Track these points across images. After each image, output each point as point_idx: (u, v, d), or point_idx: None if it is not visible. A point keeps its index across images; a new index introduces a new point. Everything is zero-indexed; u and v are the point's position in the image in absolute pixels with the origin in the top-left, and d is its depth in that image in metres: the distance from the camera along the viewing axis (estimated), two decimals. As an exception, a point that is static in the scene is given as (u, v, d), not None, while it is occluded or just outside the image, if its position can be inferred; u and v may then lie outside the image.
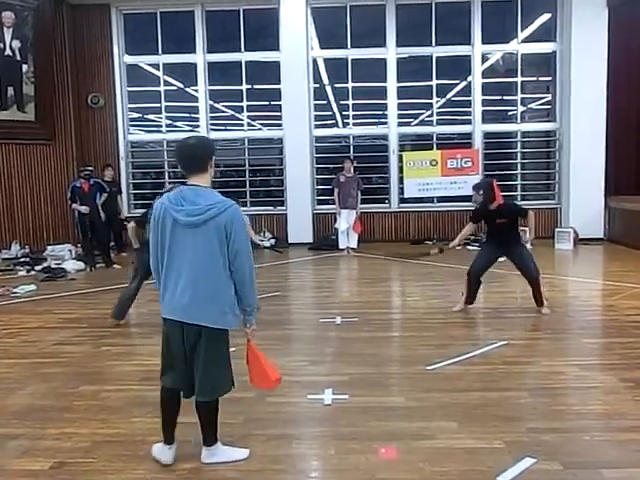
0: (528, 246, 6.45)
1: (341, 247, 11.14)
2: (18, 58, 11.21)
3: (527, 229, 6.49)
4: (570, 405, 3.76)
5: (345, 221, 11.02)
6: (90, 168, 10.28)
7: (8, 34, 11.03)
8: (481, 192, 6.18)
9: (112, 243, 10.98)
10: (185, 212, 2.81)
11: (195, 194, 2.86)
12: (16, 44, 11.12)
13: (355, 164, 11.33)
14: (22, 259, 10.51)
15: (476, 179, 12.06)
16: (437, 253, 6.43)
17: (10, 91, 11.21)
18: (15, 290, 7.89)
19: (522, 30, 12.43)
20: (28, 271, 9.53)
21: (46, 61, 11.65)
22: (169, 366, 2.99)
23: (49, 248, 10.81)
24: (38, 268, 9.61)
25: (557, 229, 11.62)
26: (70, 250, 10.63)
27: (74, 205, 9.97)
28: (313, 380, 4.28)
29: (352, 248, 11.05)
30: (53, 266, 9.64)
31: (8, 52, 11.06)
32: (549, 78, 12.74)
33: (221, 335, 2.96)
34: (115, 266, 9.91)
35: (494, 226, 6.28)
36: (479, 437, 3.28)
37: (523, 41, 12.49)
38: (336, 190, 11.04)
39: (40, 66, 11.53)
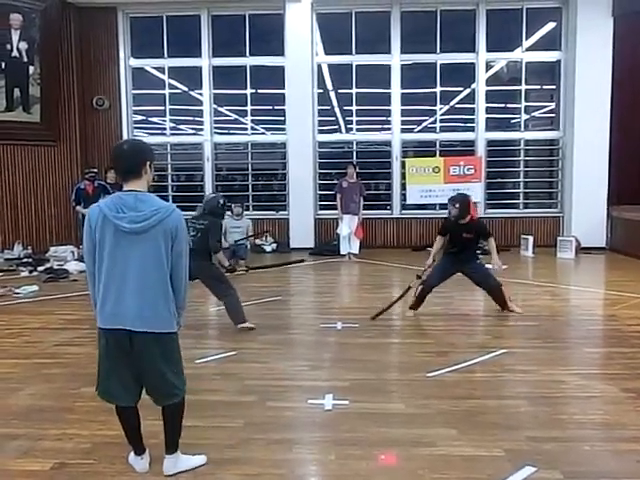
0: (495, 267, 6.64)
1: (342, 252, 11.14)
2: (25, 60, 11.26)
3: (492, 258, 6.65)
4: (570, 414, 3.76)
5: (347, 226, 11.03)
6: (94, 170, 10.31)
7: (16, 36, 11.08)
8: (457, 205, 6.31)
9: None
10: (128, 219, 2.74)
11: (136, 200, 2.79)
12: (23, 46, 11.18)
13: (358, 170, 11.34)
14: (25, 260, 10.53)
15: (479, 187, 12.11)
16: (416, 279, 6.54)
17: (16, 92, 11.26)
18: (17, 290, 7.90)
19: (527, 38, 12.45)
20: (31, 272, 9.54)
21: (52, 63, 11.70)
22: (107, 379, 2.91)
23: (52, 249, 10.84)
24: (40, 269, 9.62)
25: (559, 238, 11.62)
26: (72, 251, 10.65)
27: (78, 207, 9.99)
28: (313, 385, 4.29)
29: (353, 254, 11.05)
30: (55, 267, 9.66)
31: (15, 54, 11.11)
32: (553, 86, 12.75)
33: (173, 338, 2.94)
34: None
35: (460, 240, 6.41)
36: (478, 445, 3.28)
37: (527, 49, 12.52)
38: (338, 195, 11.05)
39: (46, 68, 11.58)
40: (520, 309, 6.60)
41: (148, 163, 2.91)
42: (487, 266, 6.65)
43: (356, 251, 11.10)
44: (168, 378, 2.89)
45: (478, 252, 11.26)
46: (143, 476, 2.98)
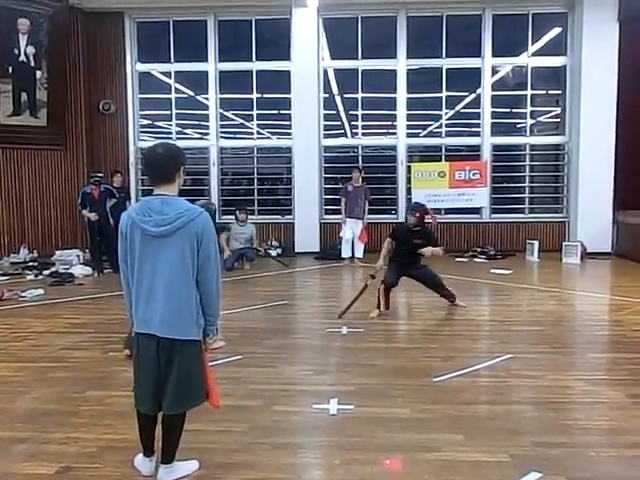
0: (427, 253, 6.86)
1: (344, 256, 11.16)
2: (32, 64, 11.33)
3: (434, 249, 6.87)
4: (576, 420, 3.75)
5: (350, 230, 11.05)
6: (100, 174, 10.35)
7: (23, 40, 11.16)
8: (417, 215, 6.82)
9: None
10: (154, 222, 2.74)
11: (162, 203, 2.78)
12: (31, 50, 11.25)
13: (363, 174, 11.35)
14: (30, 263, 10.58)
15: (484, 191, 12.11)
16: (370, 279, 6.81)
17: (24, 96, 11.33)
18: (23, 294, 7.93)
19: (533, 43, 12.46)
20: (36, 275, 9.58)
21: (59, 67, 11.77)
22: (143, 389, 2.90)
23: (57, 253, 10.88)
24: (46, 272, 9.66)
25: (565, 243, 11.59)
26: (78, 255, 10.69)
27: (84, 212, 10.04)
28: (318, 390, 4.28)
29: (358, 258, 11.06)
30: (61, 271, 9.70)
31: (23, 58, 11.18)
32: (559, 91, 12.75)
33: (195, 347, 2.90)
34: (123, 272, 9.93)
35: (410, 245, 6.79)
36: (484, 450, 3.27)
37: (533, 54, 12.52)
38: (343, 199, 11.09)
39: (53, 72, 11.65)
40: (464, 304, 7.11)
41: (182, 168, 2.89)
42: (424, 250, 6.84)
43: (360, 255, 11.11)
44: (183, 386, 2.85)
45: (483, 257, 11.40)
46: (153, 478, 2.98)
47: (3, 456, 3.28)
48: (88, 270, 9.88)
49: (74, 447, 3.34)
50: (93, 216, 9.88)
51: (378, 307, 6.76)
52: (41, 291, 8.18)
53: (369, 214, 11.27)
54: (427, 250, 6.75)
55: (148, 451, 3.03)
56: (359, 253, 11.14)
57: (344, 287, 9.22)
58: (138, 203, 2.87)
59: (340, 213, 11.26)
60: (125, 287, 2.94)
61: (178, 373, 2.84)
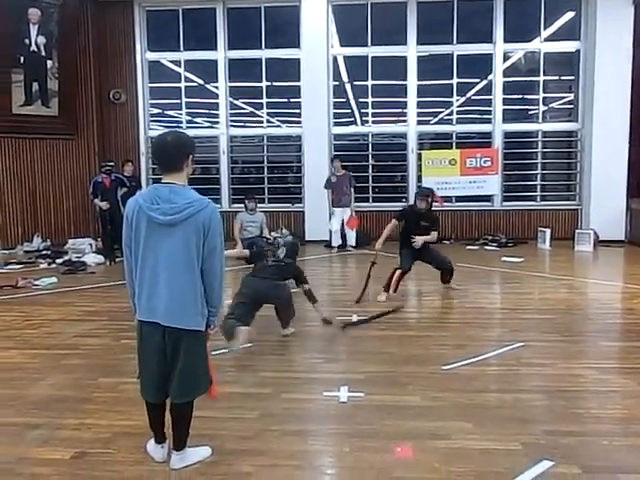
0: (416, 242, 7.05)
1: (333, 245, 11.25)
2: (43, 54, 11.35)
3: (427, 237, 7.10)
4: (588, 408, 3.74)
5: (338, 220, 11.20)
6: (111, 163, 10.39)
7: (34, 30, 11.17)
8: (429, 199, 7.04)
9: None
10: (161, 211, 2.73)
11: (171, 192, 2.77)
12: (41, 40, 11.26)
13: (373, 162, 11.32)
14: (43, 252, 10.65)
15: (496, 179, 12.03)
16: (372, 264, 6.87)
17: (35, 86, 11.35)
18: (37, 282, 8.00)
19: (545, 28, 12.30)
20: (49, 264, 9.66)
21: (70, 57, 11.79)
22: (147, 377, 2.92)
23: (70, 241, 10.95)
24: (59, 261, 9.73)
25: (577, 230, 11.50)
26: (90, 244, 10.75)
27: (95, 201, 10.10)
28: (329, 377, 4.30)
29: (352, 246, 11.11)
30: (74, 259, 9.77)
31: (34, 48, 11.19)
32: (572, 77, 12.59)
33: (199, 336, 2.91)
34: (134, 260, 9.99)
35: (417, 228, 7.00)
36: (495, 438, 3.27)
37: (546, 40, 12.36)
38: (328, 191, 11.19)
39: (64, 62, 11.67)
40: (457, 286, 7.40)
41: (191, 157, 2.89)
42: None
43: (353, 243, 11.17)
44: (189, 375, 2.88)
45: (494, 245, 11.37)
46: (161, 466, 3.01)
47: (18, 441, 3.33)
48: (100, 258, 9.95)
49: (88, 433, 3.38)
50: (104, 205, 9.94)
51: (387, 290, 6.82)
52: (54, 279, 8.25)
53: (379, 202, 11.25)
54: (420, 239, 6.97)
55: (159, 437, 3.06)
56: (352, 241, 11.18)
57: (355, 275, 9.22)
58: (146, 190, 2.86)
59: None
60: (128, 274, 2.92)
61: (184, 362, 2.85)
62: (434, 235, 7.13)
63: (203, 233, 2.78)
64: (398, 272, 6.83)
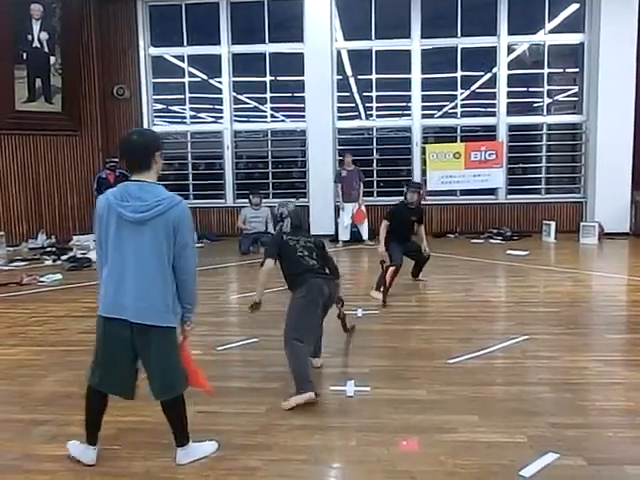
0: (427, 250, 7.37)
1: (341, 239, 11.23)
2: (46, 50, 11.36)
3: (423, 239, 7.38)
4: (593, 401, 3.73)
5: (349, 215, 11.16)
6: (116, 159, 10.40)
7: (36, 26, 11.18)
8: (421, 192, 7.30)
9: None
10: (132, 208, 2.72)
11: (141, 189, 2.77)
12: (44, 36, 11.27)
13: (378, 156, 11.31)
14: (48, 249, 10.69)
15: (500, 172, 12.00)
16: (383, 262, 6.79)
17: (38, 82, 11.37)
18: (42, 279, 8.03)
19: (549, 21, 12.25)
20: (54, 260, 9.69)
21: (73, 53, 11.80)
22: (104, 367, 2.88)
23: (75, 238, 10.97)
24: (64, 258, 9.75)
25: (582, 223, 11.47)
26: (95, 240, 10.76)
27: (100, 197, 10.10)
28: (335, 372, 4.30)
29: (364, 240, 11.08)
30: (79, 256, 9.78)
31: (36, 44, 11.21)
32: (576, 70, 12.54)
33: (171, 333, 2.90)
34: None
35: (408, 222, 7.16)
36: (501, 431, 3.27)
37: (550, 32, 12.31)
38: (339, 185, 11.16)
39: (67, 58, 11.67)
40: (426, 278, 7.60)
41: (158, 153, 2.88)
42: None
43: (365, 237, 11.14)
44: (169, 371, 2.88)
45: (499, 238, 11.37)
46: (168, 461, 3.02)
47: (25, 438, 3.34)
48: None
49: (94, 429, 3.39)
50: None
51: (379, 289, 6.70)
52: (59, 276, 8.27)
53: (384, 196, 11.24)
54: (425, 249, 7.26)
55: (93, 439, 2.99)
56: (365, 235, 11.16)
57: (359, 269, 9.23)
58: (117, 187, 2.84)
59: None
60: (100, 266, 2.91)
61: (157, 360, 2.84)
62: (422, 230, 7.44)
63: (173, 230, 2.78)
64: (392, 269, 6.77)
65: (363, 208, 11.24)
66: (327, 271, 4.27)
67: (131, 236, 2.75)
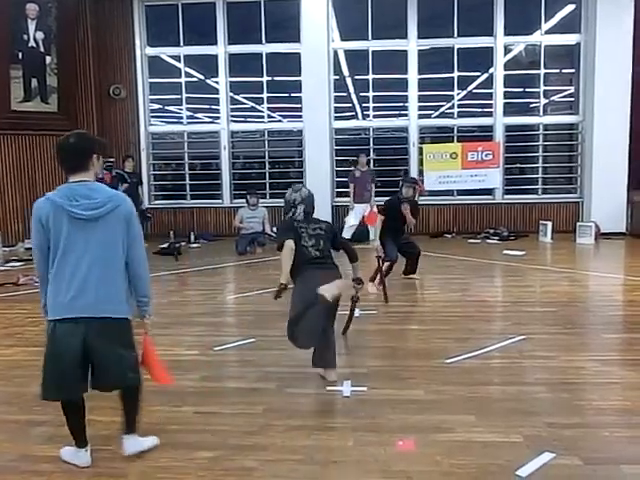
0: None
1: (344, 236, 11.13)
2: (42, 50, 11.33)
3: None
4: (590, 400, 3.74)
5: (357, 216, 11.13)
6: (112, 159, 10.40)
7: (32, 26, 11.15)
8: (416, 187, 7.29)
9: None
10: (83, 207, 2.79)
11: (87, 189, 2.85)
12: (40, 36, 11.24)
13: (375, 156, 11.31)
14: (45, 249, 10.64)
15: (497, 172, 12.03)
16: (379, 257, 6.80)
17: (34, 82, 11.34)
18: (38, 279, 7.99)
19: (546, 21, 12.27)
20: (51, 261, 9.64)
21: (69, 53, 11.77)
22: (67, 378, 2.87)
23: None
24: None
25: (578, 223, 11.50)
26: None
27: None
28: (332, 372, 4.30)
29: (370, 240, 11.06)
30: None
31: (32, 44, 11.18)
32: (572, 70, 12.57)
33: (127, 324, 2.98)
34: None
35: (401, 217, 7.20)
36: (497, 431, 3.27)
37: (546, 32, 12.34)
38: (352, 185, 11.13)
39: (63, 57, 11.65)
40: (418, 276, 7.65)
41: (95, 156, 2.95)
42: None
43: (373, 237, 11.11)
44: (125, 363, 2.92)
45: (496, 238, 11.38)
46: (164, 462, 3.01)
47: (21, 439, 3.34)
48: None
49: (90, 430, 3.36)
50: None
51: (373, 281, 6.78)
52: (56, 276, 8.23)
53: (381, 196, 11.20)
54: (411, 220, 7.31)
55: (81, 441, 3.02)
56: (373, 235, 11.15)
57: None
58: (58, 190, 2.89)
59: (348, 198, 11.27)
60: (42, 273, 2.93)
61: (114, 350, 2.87)
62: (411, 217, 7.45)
63: (125, 225, 2.90)
64: (387, 264, 6.85)
65: (375, 209, 11.20)
66: (330, 261, 4.23)
67: (85, 234, 2.82)
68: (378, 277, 6.79)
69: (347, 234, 11.21)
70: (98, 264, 2.83)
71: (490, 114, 12.61)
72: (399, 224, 7.25)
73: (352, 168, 11.44)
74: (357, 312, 5.92)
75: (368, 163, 11.45)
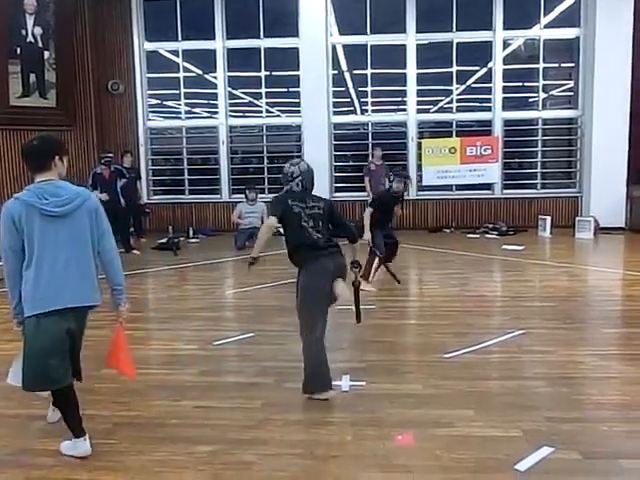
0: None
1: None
2: (40, 45, 11.28)
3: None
4: (589, 395, 3.75)
5: None
6: (110, 155, 10.36)
7: (30, 21, 11.10)
8: (408, 182, 7.28)
9: (131, 229, 11.08)
10: (54, 203, 2.92)
11: (55, 187, 2.99)
12: (38, 31, 11.19)
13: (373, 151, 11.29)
14: (43, 244, 10.63)
15: (496, 167, 12.02)
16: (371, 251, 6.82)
17: (32, 77, 11.29)
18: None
19: (545, 15, 12.22)
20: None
21: (67, 48, 11.72)
22: (46, 370, 2.94)
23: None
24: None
25: (577, 218, 11.49)
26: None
27: (94, 192, 10.06)
28: (330, 367, 4.27)
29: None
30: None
31: (30, 39, 11.13)
32: (572, 64, 12.54)
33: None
34: (134, 252, 10.00)
35: (390, 209, 7.28)
36: (496, 425, 3.28)
37: (546, 26, 12.29)
38: (367, 178, 11.13)
39: (61, 53, 11.60)
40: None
41: (57, 157, 3.07)
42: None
43: None
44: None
45: (495, 233, 11.37)
46: (163, 456, 3.02)
47: (22, 433, 3.35)
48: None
49: (90, 424, 3.38)
50: (104, 197, 9.89)
51: (366, 278, 6.67)
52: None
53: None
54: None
55: (80, 431, 3.05)
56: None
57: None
58: (27, 190, 2.96)
59: (351, 191, 11.28)
60: (13, 275, 2.96)
61: (82, 336, 3.14)
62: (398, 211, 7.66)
63: (95, 218, 3.08)
64: (377, 259, 6.85)
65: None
66: (332, 242, 3.94)
67: (58, 230, 2.95)
68: (373, 271, 6.79)
69: None
70: (74, 257, 2.99)
71: (489, 109, 12.58)
72: (388, 218, 7.30)
73: (369, 161, 11.37)
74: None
75: (384, 157, 11.40)
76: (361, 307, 5.79)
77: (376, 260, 6.86)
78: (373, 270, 6.85)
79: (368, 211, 7.02)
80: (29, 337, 2.96)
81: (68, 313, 2.95)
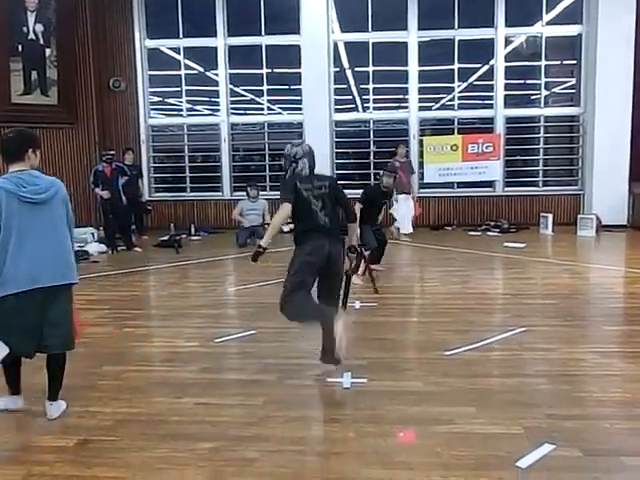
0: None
1: (406, 232, 10.85)
2: (41, 42, 11.28)
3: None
4: (590, 392, 3.75)
5: (404, 206, 10.90)
6: (112, 152, 10.36)
7: (32, 18, 11.10)
8: (396, 176, 7.48)
9: (133, 226, 11.09)
10: (32, 191, 3.22)
11: (30, 176, 3.28)
12: (39, 28, 11.19)
13: (375, 149, 11.26)
14: (45, 242, 10.64)
15: (498, 164, 12.00)
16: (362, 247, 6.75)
17: (34, 75, 11.30)
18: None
19: (547, 12, 12.20)
20: (51, 253, 9.64)
21: (69, 45, 11.72)
22: (22, 339, 3.26)
23: (72, 231, 10.93)
24: (61, 250, 9.71)
25: (579, 215, 11.47)
26: (92, 233, 10.75)
27: (96, 190, 10.09)
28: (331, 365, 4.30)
29: (406, 234, 10.90)
30: (76, 249, 9.72)
31: (32, 36, 11.13)
32: (574, 61, 12.51)
33: (71, 291, 3.46)
34: (136, 249, 10.01)
35: (380, 206, 7.40)
36: (497, 422, 3.28)
37: (548, 23, 12.26)
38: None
39: (63, 50, 11.60)
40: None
41: (31, 150, 3.35)
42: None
43: (411, 230, 10.94)
44: (66, 326, 3.39)
45: (497, 231, 11.36)
46: (165, 453, 3.02)
47: (24, 429, 3.36)
48: (103, 247, 9.95)
49: (92, 420, 3.40)
50: (106, 194, 9.92)
51: (356, 271, 6.47)
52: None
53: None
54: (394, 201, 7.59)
55: (17, 389, 3.51)
56: (410, 229, 10.96)
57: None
58: (5, 179, 3.24)
59: (351, 188, 11.12)
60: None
61: (62, 315, 3.36)
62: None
63: (66, 206, 3.43)
64: (368, 253, 6.87)
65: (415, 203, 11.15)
66: (336, 227, 4.10)
67: (36, 215, 3.24)
68: (362, 266, 6.74)
69: (403, 227, 10.93)
70: (55, 239, 3.31)
71: (491, 106, 12.56)
72: (377, 213, 7.37)
73: (392, 159, 11.32)
74: (357, 304, 5.94)
75: (407, 155, 11.43)
76: (362, 305, 5.83)
77: (366, 254, 6.81)
78: (366, 265, 6.82)
79: (357, 206, 6.90)
80: (2, 313, 3.24)
81: (44, 292, 3.23)
